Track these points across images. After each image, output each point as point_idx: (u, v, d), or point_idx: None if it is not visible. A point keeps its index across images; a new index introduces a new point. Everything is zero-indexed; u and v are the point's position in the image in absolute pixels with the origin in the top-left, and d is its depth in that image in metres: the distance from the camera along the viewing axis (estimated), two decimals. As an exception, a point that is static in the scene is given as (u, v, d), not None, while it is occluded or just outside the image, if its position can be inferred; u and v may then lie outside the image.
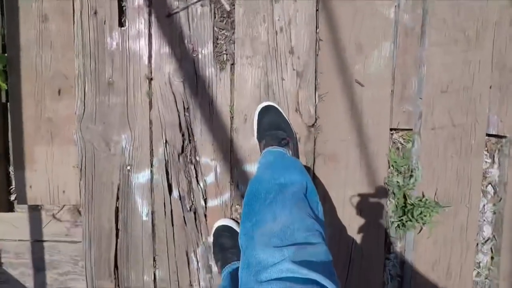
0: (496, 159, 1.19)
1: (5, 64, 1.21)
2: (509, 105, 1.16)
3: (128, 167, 1.16)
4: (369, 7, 1.11)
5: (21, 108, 1.22)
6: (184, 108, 1.14)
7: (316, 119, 1.13)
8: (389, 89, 1.12)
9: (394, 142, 1.16)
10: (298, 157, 1.12)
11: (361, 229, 1.14)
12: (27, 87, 1.21)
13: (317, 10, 1.11)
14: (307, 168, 1.13)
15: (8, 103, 1.24)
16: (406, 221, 1.08)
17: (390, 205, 1.16)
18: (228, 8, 1.12)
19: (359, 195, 1.14)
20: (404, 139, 1.15)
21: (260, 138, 1.05)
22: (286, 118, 1.08)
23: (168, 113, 1.14)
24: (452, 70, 1.12)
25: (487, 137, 1.16)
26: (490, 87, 1.14)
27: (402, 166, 1.13)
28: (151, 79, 1.14)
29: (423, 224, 1.06)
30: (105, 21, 1.14)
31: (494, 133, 1.16)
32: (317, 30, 1.12)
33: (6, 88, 1.22)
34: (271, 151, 0.95)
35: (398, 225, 1.11)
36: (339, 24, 1.12)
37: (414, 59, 1.12)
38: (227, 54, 1.13)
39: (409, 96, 1.13)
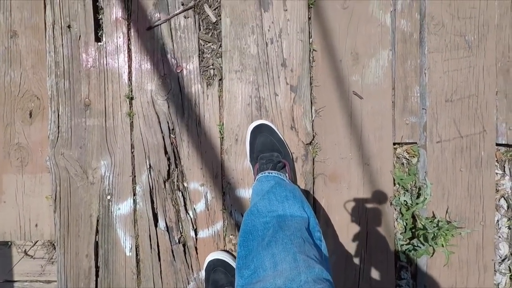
0: (507, 170, 1.15)
1: (-32, 86, 1.12)
2: (517, 112, 1.13)
3: (108, 197, 1.07)
4: (364, 13, 1.07)
5: (-13, 134, 1.14)
6: (169, 129, 1.07)
7: (313, 136, 1.07)
8: (390, 101, 1.08)
9: (399, 158, 1.11)
10: (295, 179, 1.05)
11: (368, 255, 1.07)
12: (-6, 111, 1.13)
13: (309, 18, 1.07)
14: (306, 191, 1.06)
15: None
16: (417, 245, 1.01)
17: (398, 226, 1.09)
18: (213, 19, 1.07)
19: (364, 217, 1.07)
20: (409, 153, 1.10)
21: (253, 160, 0.99)
22: (281, 137, 1.02)
23: (152, 135, 1.06)
24: (455, 77, 1.08)
25: (496, 147, 1.12)
26: (496, 93, 1.10)
27: (408, 183, 1.07)
28: (132, 98, 1.07)
29: (436, 246, 0.99)
30: (80, 36, 1.07)
31: (503, 142, 1.12)
32: (311, 40, 1.07)
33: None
34: (267, 176, 0.88)
35: (408, 248, 1.04)
36: (333, 32, 1.08)
37: (414, 67, 1.08)
38: (214, 69, 1.07)
39: (411, 107, 1.08)
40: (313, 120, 1.08)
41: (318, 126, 1.08)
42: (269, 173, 0.90)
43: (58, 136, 1.08)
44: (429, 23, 1.08)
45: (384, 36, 1.08)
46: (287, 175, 0.95)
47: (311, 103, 1.08)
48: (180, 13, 1.07)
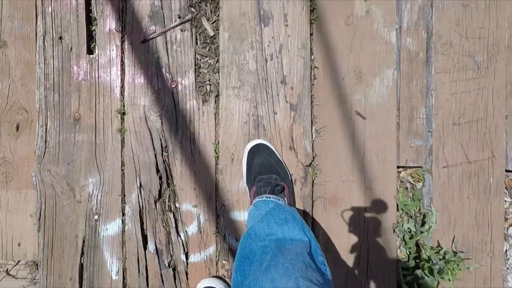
0: (516, 196, 1.09)
1: (-46, 97, 1.08)
2: (526, 136, 1.08)
3: (96, 216, 1.02)
4: (368, 30, 1.04)
5: (-28, 146, 1.09)
6: (161, 146, 1.02)
7: (313, 158, 1.02)
8: (395, 122, 1.03)
9: (402, 182, 1.06)
10: (294, 202, 1.00)
11: (368, 283, 1.02)
12: (-21, 123, 1.09)
13: (311, 34, 1.03)
14: (305, 215, 1.01)
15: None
16: (422, 277, 0.95)
17: (400, 254, 1.04)
18: (211, 32, 1.03)
19: (365, 244, 1.02)
20: (413, 178, 1.05)
21: (250, 183, 0.94)
22: (280, 158, 0.97)
23: (143, 153, 1.02)
24: (463, 99, 1.04)
25: (505, 173, 1.07)
26: (506, 117, 1.05)
27: (412, 210, 1.02)
28: (124, 113, 1.02)
29: (442, 280, 0.94)
30: (71, 47, 1.03)
31: (512, 168, 1.07)
32: (312, 57, 1.03)
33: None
34: (264, 201, 0.83)
35: (411, 279, 0.99)
36: (336, 49, 1.04)
37: (420, 87, 1.04)
38: (210, 85, 1.03)
39: (417, 129, 1.04)
40: (313, 140, 1.03)
41: (319, 147, 1.04)
42: (267, 197, 0.86)
43: (45, 151, 1.04)
44: (436, 43, 1.04)
45: (389, 55, 1.04)
46: (286, 199, 0.90)
47: (312, 122, 1.03)
48: (176, 26, 1.03)
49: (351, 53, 1.05)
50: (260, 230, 0.72)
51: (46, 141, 1.04)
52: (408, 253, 1.01)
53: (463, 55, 1.04)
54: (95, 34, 1.05)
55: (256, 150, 0.96)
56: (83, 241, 1.03)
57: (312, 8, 1.04)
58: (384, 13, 1.04)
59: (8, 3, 1.09)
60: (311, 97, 1.03)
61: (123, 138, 1.03)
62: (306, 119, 1.02)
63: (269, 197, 0.86)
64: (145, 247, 1.02)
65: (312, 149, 1.03)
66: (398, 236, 1.03)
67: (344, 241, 1.04)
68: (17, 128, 1.10)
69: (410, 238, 1.00)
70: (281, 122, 1.02)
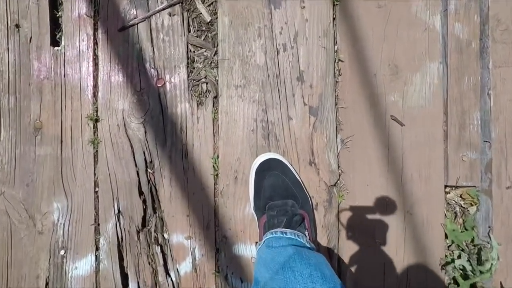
0: None
1: None
2: None
3: (62, 252, 0.81)
4: (405, 14, 0.82)
5: None
6: (145, 162, 0.81)
7: (339, 175, 0.80)
8: (441, 129, 0.82)
9: (450, 205, 0.84)
10: (316, 234, 0.78)
11: (410, 335, 0.80)
12: None
13: (334, 18, 0.82)
14: (329, 250, 0.79)
15: None
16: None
17: (449, 296, 0.82)
18: (207, 17, 0.82)
19: (405, 284, 0.81)
20: (464, 200, 0.84)
21: (259, 210, 0.73)
22: (297, 177, 0.76)
23: (122, 170, 0.81)
24: (525, 99, 0.82)
25: None
26: None
27: (464, 241, 0.81)
28: (97, 120, 0.81)
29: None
30: (31, 38, 0.82)
31: None
32: (336, 47, 0.82)
33: None
34: (279, 238, 0.62)
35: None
36: (366, 37, 0.83)
37: (473, 86, 0.83)
38: (207, 83, 0.82)
39: (470, 138, 0.82)
40: (338, 154, 0.82)
41: (345, 161, 0.82)
42: (282, 233, 0.64)
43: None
44: (494, 29, 0.82)
45: (433, 44, 0.83)
46: (307, 233, 0.69)
47: (336, 130, 0.82)
48: (163, 9, 0.82)
49: (385, 43, 0.83)
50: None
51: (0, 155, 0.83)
52: (461, 297, 0.80)
53: (528, 43, 0.83)
54: (61, 21, 0.84)
55: (267, 167, 0.75)
56: (46, 283, 0.81)
57: (334, -14, 0.83)
58: (426, -8, 0.83)
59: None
60: (336, 98, 0.82)
61: (97, 151, 0.82)
62: (330, 126, 0.81)
63: (285, 233, 0.65)
64: (125, 291, 0.81)
65: (338, 164, 0.82)
66: (447, 275, 0.82)
67: (379, 282, 0.82)
68: (-33, 139, 0.89)
69: (465, 279, 0.79)
70: (298, 130, 0.81)
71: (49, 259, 0.82)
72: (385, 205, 0.83)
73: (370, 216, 0.83)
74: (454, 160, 0.83)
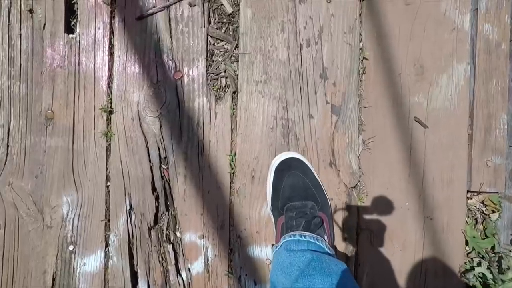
0: None
1: None
2: None
3: (71, 247, 0.78)
4: (434, 13, 0.80)
5: None
6: (160, 157, 0.78)
7: (360, 177, 0.78)
8: (466, 133, 0.80)
9: (470, 210, 0.82)
10: (334, 237, 0.76)
11: None
12: None
13: (360, 15, 0.79)
14: (348, 256, 0.77)
15: None
16: None
17: (468, 305, 0.81)
18: (229, 9, 0.79)
19: (424, 291, 0.79)
20: (486, 206, 0.82)
21: (277, 210, 0.71)
22: (318, 178, 0.74)
23: (136, 165, 0.78)
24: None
25: None
26: None
27: (484, 249, 0.79)
28: (111, 112, 0.79)
29: None
30: (44, 24, 0.80)
31: None
32: (361, 45, 0.80)
33: None
34: (298, 241, 0.60)
35: None
36: (392, 35, 0.80)
37: (501, 88, 0.81)
38: (226, 78, 0.79)
39: (496, 143, 0.81)
40: (359, 155, 0.80)
41: (366, 163, 0.80)
42: (301, 236, 0.62)
43: (6, 160, 0.79)
44: (525, 30, 0.81)
45: (461, 45, 0.81)
46: (326, 237, 0.67)
47: (359, 130, 0.80)
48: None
49: (411, 42, 0.81)
50: None
51: (8, 146, 0.80)
52: (480, 306, 0.78)
53: (560, 47, 0.81)
54: (77, 8, 0.81)
55: (287, 167, 0.73)
56: (53, 279, 0.79)
57: (361, -19, 0.80)
58: (455, -10, 0.81)
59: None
60: (359, 98, 0.80)
61: (109, 144, 0.80)
62: (353, 126, 0.79)
63: (304, 236, 0.63)
64: (134, 289, 0.79)
65: (359, 166, 0.79)
66: (467, 283, 0.80)
67: (395, 287, 0.80)
68: (-26, 127, 0.86)
69: (485, 287, 0.77)
70: (319, 129, 0.79)
71: (57, 254, 0.79)
72: (405, 209, 0.81)
73: (389, 221, 0.81)
74: (478, 165, 0.81)
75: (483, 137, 0.81)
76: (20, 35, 0.81)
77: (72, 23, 0.82)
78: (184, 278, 0.79)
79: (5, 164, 0.80)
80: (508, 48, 0.82)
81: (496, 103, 0.81)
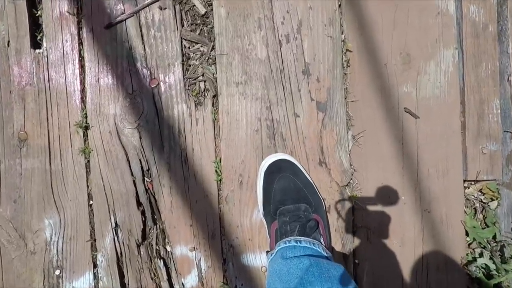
0: None
1: None
2: None
3: (57, 271, 0.76)
4: (416, -2, 0.77)
5: None
6: (142, 170, 0.76)
7: (352, 174, 0.76)
8: (458, 120, 0.77)
9: (469, 200, 0.80)
10: (330, 239, 0.74)
11: None
12: None
13: (339, 5, 0.76)
14: (345, 256, 0.75)
15: None
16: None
17: (472, 297, 0.79)
18: (202, 9, 0.76)
19: (424, 286, 0.77)
20: (485, 194, 0.79)
21: (269, 215, 0.68)
22: (309, 178, 0.71)
23: (117, 180, 0.75)
24: (545, 84, 0.78)
25: None
26: None
27: (485, 239, 0.77)
28: (87, 127, 0.75)
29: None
30: (8, 41, 0.76)
31: None
32: (343, 36, 0.76)
33: None
34: (294, 247, 0.58)
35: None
36: (375, 25, 0.77)
37: (492, 72, 0.78)
38: (205, 81, 0.76)
39: (490, 129, 0.78)
40: (350, 151, 0.77)
41: (357, 159, 0.77)
42: (296, 241, 0.60)
43: (-18, 185, 0.77)
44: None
45: (447, 30, 0.78)
46: (322, 240, 0.64)
47: (347, 126, 0.77)
48: (153, 2, 0.75)
49: (395, 30, 0.78)
50: None
51: (-18, 170, 0.77)
52: (485, 297, 0.77)
53: (549, 24, 0.78)
54: (41, 21, 0.78)
55: (276, 169, 0.70)
56: (42, 306, 0.77)
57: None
58: (436, -28, 0.78)
59: None
60: (345, 92, 0.77)
61: (88, 161, 0.76)
62: (340, 122, 0.76)
63: (300, 241, 0.60)
64: (127, 309, 0.76)
65: (350, 162, 0.77)
66: (469, 275, 0.78)
67: (397, 285, 0.78)
68: None
69: (488, 279, 0.75)
70: (305, 128, 0.76)
71: (43, 280, 0.76)
72: (401, 204, 0.79)
73: (386, 217, 0.78)
74: (473, 153, 0.79)
75: (476, 123, 0.79)
76: (-15, 53, 0.78)
77: (38, 38, 0.78)
78: (178, 294, 0.77)
79: (-19, 190, 0.77)
80: (496, 30, 0.79)
81: (488, 87, 0.79)
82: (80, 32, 0.77)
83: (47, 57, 0.77)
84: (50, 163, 0.77)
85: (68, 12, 0.76)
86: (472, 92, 0.79)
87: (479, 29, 0.79)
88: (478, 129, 0.79)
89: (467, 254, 0.79)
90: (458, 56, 0.79)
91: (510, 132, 0.78)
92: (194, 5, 0.77)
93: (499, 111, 0.78)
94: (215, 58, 0.76)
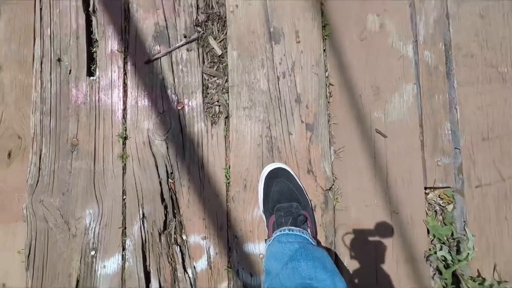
0: (553, 217, 1.02)
1: None
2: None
3: (93, 252, 0.93)
4: (383, 45, 1.02)
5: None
6: (167, 173, 0.96)
7: (333, 181, 0.95)
8: (418, 139, 0.98)
9: (431, 204, 0.99)
10: (316, 232, 0.92)
11: (402, 323, 0.91)
12: (-32, 152, 1.02)
13: (324, 50, 1.00)
14: (328, 249, 0.92)
15: None
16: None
17: (435, 285, 0.95)
18: (219, 51, 1.00)
19: (396, 275, 0.93)
20: (442, 199, 0.98)
21: (268, 212, 0.87)
22: (300, 183, 0.91)
23: (147, 180, 0.95)
24: (490, 112, 1.00)
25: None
26: (535, 132, 1.01)
27: (445, 236, 0.94)
28: (126, 138, 0.97)
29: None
30: (70, 70, 1.00)
31: (547, 185, 1.00)
32: (327, 74, 1.00)
33: None
34: (288, 235, 0.76)
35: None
36: (351, 65, 1.01)
37: (443, 102, 1.00)
38: (219, 106, 0.99)
39: (443, 146, 0.99)
40: (332, 162, 0.97)
41: (338, 169, 0.97)
42: (289, 230, 0.78)
43: (38, 180, 0.97)
44: (457, 54, 1.01)
45: (407, 69, 1.01)
46: (309, 230, 0.83)
47: (330, 143, 0.98)
48: (182, 45, 1.01)
49: (367, 69, 1.02)
50: (285, 279, 0.66)
51: (40, 169, 0.97)
52: (444, 284, 0.92)
53: (486, 66, 1.01)
54: (96, 56, 1.02)
55: (274, 175, 0.90)
56: (77, 281, 0.94)
57: (324, 24, 1.02)
58: (399, 27, 1.03)
59: (5, 25, 1.06)
60: (328, 116, 0.99)
61: (125, 164, 0.97)
62: (324, 140, 0.97)
63: (292, 230, 0.79)
64: (147, 286, 0.93)
65: (332, 172, 0.97)
66: (431, 265, 0.95)
67: (372, 276, 0.95)
68: (9, 155, 1.03)
69: (446, 268, 0.91)
70: (297, 143, 0.97)
71: (81, 259, 0.94)
72: (374, 206, 0.97)
73: (362, 216, 0.97)
74: (431, 165, 0.99)
75: (432, 142, 0.99)
76: (50, 79, 1.01)
77: (93, 68, 1.02)
78: (190, 275, 0.94)
79: (37, 184, 0.97)
80: (445, 70, 1.02)
81: (440, 114, 1.00)
82: (125, 65, 1.01)
83: (99, 83, 1.01)
84: (94, 165, 0.97)
85: (117, 50, 1.01)
86: (429, 118, 1.00)
87: (431, 69, 1.02)
88: (434, 146, 0.99)
89: (429, 249, 0.96)
90: (416, 90, 1.01)
91: (459, 148, 0.98)
92: (213, 48, 1.01)
93: (449, 132, 0.99)
94: (228, 88, 0.99)
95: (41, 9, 1.04)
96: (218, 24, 1.03)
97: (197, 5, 1.04)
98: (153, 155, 0.98)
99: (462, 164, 0.98)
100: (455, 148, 0.99)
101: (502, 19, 1.04)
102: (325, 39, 1.02)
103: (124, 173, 0.98)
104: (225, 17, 1.03)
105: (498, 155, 0.99)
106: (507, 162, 0.98)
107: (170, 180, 0.97)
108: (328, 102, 1.00)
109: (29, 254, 0.96)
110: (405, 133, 1.00)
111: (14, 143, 1.05)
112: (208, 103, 1.00)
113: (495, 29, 1.03)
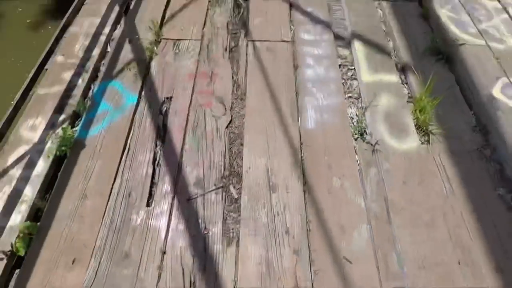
0: None
1: (34, 232, 1.41)
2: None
3: None
4: (345, 197, 1.54)
5: (29, 276, 1.33)
6: (190, 282, 1.30)
7: (313, 292, 1.28)
8: (375, 265, 1.36)
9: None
10: None
11: None
12: (45, 255, 1.39)
13: (305, 198, 1.53)
14: None
15: (17, 270, 1.34)
16: None
17: None
18: (235, 196, 1.53)
19: None
20: None
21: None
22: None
23: (175, 287, 1.28)
24: (422, 247, 1.42)
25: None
26: (459, 263, 1.38)
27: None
28: (164, 252, 1.36)
29: None
30: (135, 201, 1.49)
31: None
32: (307, 214, 1.48)
33: (23, 254, 1.37)
34: None
35: None
36: (324, 209, 1.52)
37: (388, 238, 1.43)
38: (233, 232, 1.43)
39: (393, 271, 1.36)
40: (313, 280, 1.32)
41: (318, 286, 1.31)
42: None
43: (92, 283, 1.29)
44: (393, 207, 1.52)
45: (361, 214, 1.51)
46: None
47: (310, 264, 1.35)
48: (212, 190, 1.54)
49: (335, 212, 1.51)
50: None
51: (96, 273, 1.32)
52: None
53: (415, 215, 1.50)
54: (154, 193, 1.54)
55: None
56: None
57: (304, 182, 1.58)
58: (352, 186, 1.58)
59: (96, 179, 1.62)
60: (309, 245, 1.41)
61: (160, 273, 1.32)
62: (306, 262, 1.36)
63: None
64: None
65: (312, 286, 1.30)
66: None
67: None
68: (73, 261, 1.38)
69: None
70: (287, 264, 1.36)
71: None
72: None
73: None
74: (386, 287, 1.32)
75: (385, 268, 1.36)
76: (120, 207, 1.49)
77: (150, 201, 1.52)
78: None
79: (91, 286, 1.28)
80: (387, 216, 1.50)
81: (388, 246, 1.41)
82: (173, 201, 1.51)
83: (153, 212, 1.49)
84: (138, 272, 1.31)
85: (170, 191, 1.53)
86: (380, 249, 1.41)
87: (378, 214, 1.51)
88: (387, 271, 1.35)
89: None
90: (369, 228, 1.46)
91: (403, 269, 1.34)
92: (232, 193, 1.54)
93: (395, 260, 1.38)
94: (240, 221, 1.45)
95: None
96: (236, 178, 1.60)
97: (224, 165, 1.63)
98: (182, 267, 1.35)
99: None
100: (403, 272, 1.36)
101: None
102: (305, 191, 1.56)
103: (158, 280, 1.31)
104: (242, 174, 1.60)
105: (433, 281, 1.34)
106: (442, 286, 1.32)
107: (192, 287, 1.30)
108: (309, 234, 1.44)
109: None
110: (364, 260, 1.38)
111: (79, 252, 1.42)
112: (226, 230, 1.45)
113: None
